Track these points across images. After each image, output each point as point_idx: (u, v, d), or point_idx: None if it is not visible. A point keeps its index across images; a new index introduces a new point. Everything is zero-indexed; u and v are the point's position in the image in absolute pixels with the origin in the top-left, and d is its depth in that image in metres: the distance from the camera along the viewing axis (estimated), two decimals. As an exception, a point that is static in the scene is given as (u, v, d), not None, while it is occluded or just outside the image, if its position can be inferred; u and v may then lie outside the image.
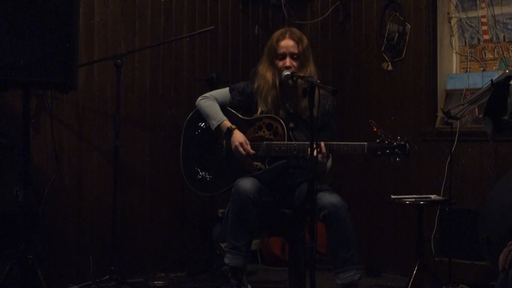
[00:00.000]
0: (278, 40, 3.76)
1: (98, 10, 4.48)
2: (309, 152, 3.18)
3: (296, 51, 3.74)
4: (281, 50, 3.74)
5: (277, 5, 5.49)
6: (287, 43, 3.74)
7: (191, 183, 3.92)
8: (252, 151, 3.71)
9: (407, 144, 3.47)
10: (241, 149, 3.71)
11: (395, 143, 3.47)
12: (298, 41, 3.75)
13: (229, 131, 3.76)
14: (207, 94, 3.93)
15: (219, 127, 3.79)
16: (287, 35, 3.76)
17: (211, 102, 3.86)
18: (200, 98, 3.92)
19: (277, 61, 3.75)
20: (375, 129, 3.54)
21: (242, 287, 3.67)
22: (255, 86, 3.83)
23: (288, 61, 3.71)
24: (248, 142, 3.73)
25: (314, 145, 3.18)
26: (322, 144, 3.49)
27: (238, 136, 3.74)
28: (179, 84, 4.94)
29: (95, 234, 4.40)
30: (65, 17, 3.28)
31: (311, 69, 3.75)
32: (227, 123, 3.78)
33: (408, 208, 4.63)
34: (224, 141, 3.84)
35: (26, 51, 3.20)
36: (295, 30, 3.86)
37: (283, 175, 3.76)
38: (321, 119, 3.64)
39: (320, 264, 4.53)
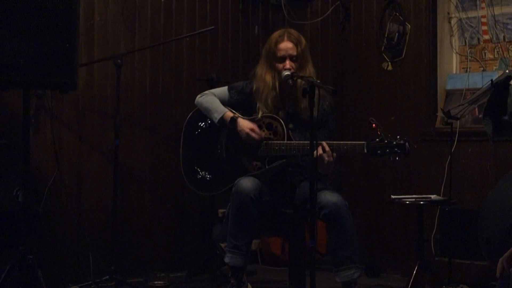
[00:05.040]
0: (277, 43, 3.76)
1: (98, 10, 4.48)
2: (311, 152, 3.17)
3: (295, 53, 3.74)
4: (280, 53, 3.74)
5: (277, 5, 5.49)
6: (286, 46, 3.74)
7: (190, 182, 3.92)
8: (263, 134, 3.72)
9: (407, 143, 3.47)
10: (253, 134, 3.71)
11: (394, 142, 3.47)
12: (296, 43, 3.75)
13: (234, 120, 3.76)
14: (205, 92, 3.94)
15: (222, 118, 3.79)
16: (285, 37, 3.76)
17: (211, 97, 3.87)
18: (198, 96, 3.93)
19: (276, 64, 3.75)
20: (374, 126, 3.54)
21: (242, 286, 3.67)
22: (254, 88, 3.83)
23: (288, 63, 3.71)
24: (255, 127, 3.73)
25: (316, 145, 3.18)
26: (325, 143, 3.49)
27: (246, 123, 3.75)
28: (179, 84, 4.94)
29: (95, 234, 4.40)
30: (65, 17, 3.28)
31: (310, 70, 3.75)
32: (230, 114, 3.79)
33: (408, 208, 4.63)
34: (224, 140, 3.84)
35: (26, 51, 3.20)
36: (293, 31, 3.86)
37: (283, 174, 3.76)
38: (320, 118, 3.64)
39: (320, 264, 4.53)
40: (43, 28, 3.23)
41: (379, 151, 3.49)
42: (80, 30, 3.99)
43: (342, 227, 3.52)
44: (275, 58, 3.75)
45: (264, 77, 3.79)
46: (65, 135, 4.33)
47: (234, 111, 3.85)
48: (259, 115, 3.79)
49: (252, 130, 3.72)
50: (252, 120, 3.80)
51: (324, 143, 3.50)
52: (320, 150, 3.46)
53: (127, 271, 4.41)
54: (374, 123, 3.55)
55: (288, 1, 5.48)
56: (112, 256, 4.11)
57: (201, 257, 4.68)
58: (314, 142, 3.17)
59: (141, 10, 4.71)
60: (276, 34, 3.82)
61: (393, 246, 4.96)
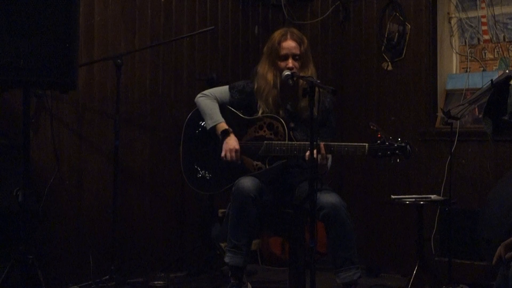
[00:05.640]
0: (280, 41, 3.76)
1: (98, 10, 4.48)
2: (308, 153, 3.17)
3: (298, 52, 3.74)
4: (283, 52, 3.74)
5: (277, 5, 5.50)
6: (289, 44, 3.74)
7: (190, 181, 3.92)
8: (238, 162, 3.71)
9: (408, 146, 3.46)
10: (232, 155, 3.70)
11: (396, 145, 3.47)
12: (299, 42, 3.76)
13: (226, 133, 3.75)
14: (207, 92, 3.93)
15: (214, 128, 3.79)
16: (289, 36, 3.76)
17: (211, 102, 3.86)
18: (199, 95, 3.92)
19: (279, 62, 3.75)
20: (374, 129, 3.53)
21: (242, 286, 3.67)
22: (255, 87, 3.83)
23: (290, 62, 3.72)
24: (239, 150, 3.72)
25: (316, 145, 3.18)
26: (322, 145, 3.49)
27: (231, 142, 3.73)
28: (179, 84, 4.94)
29: (95, 234, 4.40)
30: (65, 17, 3.28)
31: (311, 69, 3.76)
32: (224, 125, 3.78)
33: (408, 208, 4.64)
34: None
35: (26, 51, 3.19)
36: (295, 30, 3.86)
37: (283, 174, 3.76)
38: (321, 116, 3.64)
39: (320, 264, 4.53)
40: (43, 28, 3.23)
41: (380, 153, 3.48)
42: (80, 30, 3.98)
43: (340, 228, 3.52)
44: (277, 57, 3.75)
45: (265, 75, 3.78)
46: (65, 135, 4.33)
47: (235, 110, 3.85)
48: (260, 114, 3.79)
49: (233, 151, 3.71)
50: (254, 121, 3.80)
51: (321, 145, 3.49)
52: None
53: (127, 271, 4.41)
54: (375, 127, 3.54)
55: (288, 1, 5.48)
56: (112, 256, 4.11)
57: (201, 257, 4.68)
58: (314, 142, 3.17)
59: (141, 10, 4.71)
60: (278, 32, 3.82)
61: (393, 246, 4.96)
